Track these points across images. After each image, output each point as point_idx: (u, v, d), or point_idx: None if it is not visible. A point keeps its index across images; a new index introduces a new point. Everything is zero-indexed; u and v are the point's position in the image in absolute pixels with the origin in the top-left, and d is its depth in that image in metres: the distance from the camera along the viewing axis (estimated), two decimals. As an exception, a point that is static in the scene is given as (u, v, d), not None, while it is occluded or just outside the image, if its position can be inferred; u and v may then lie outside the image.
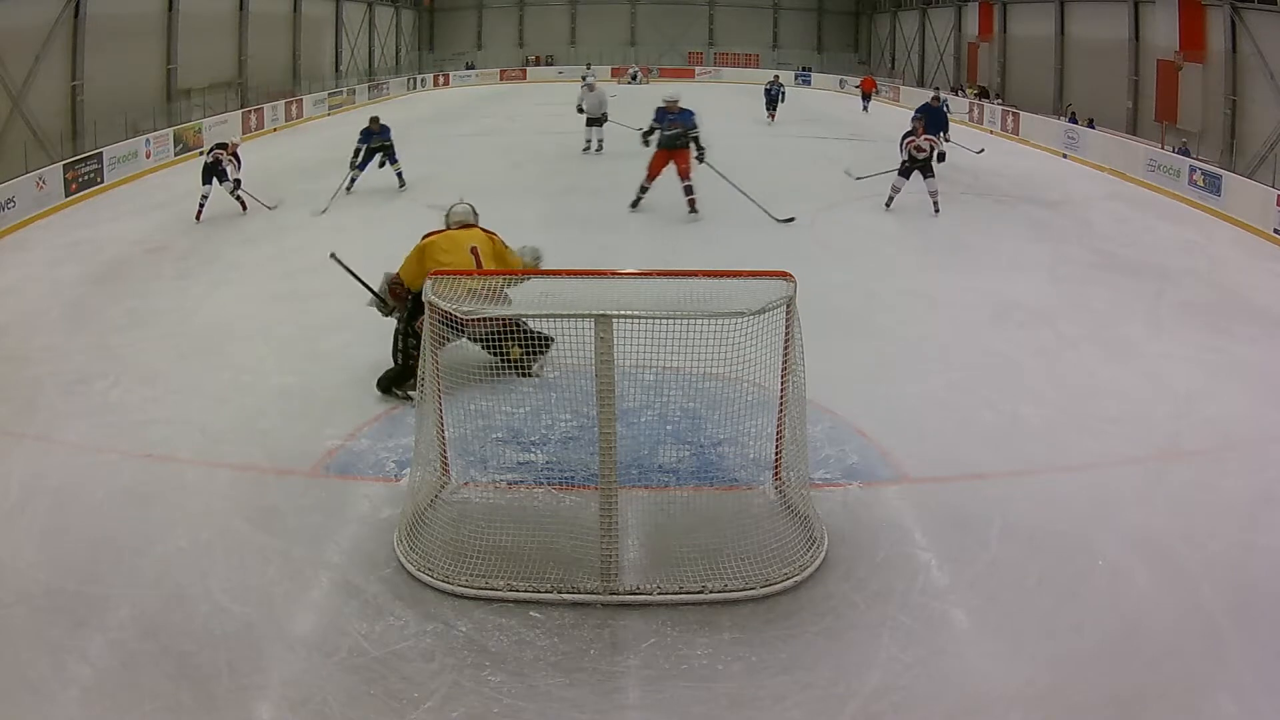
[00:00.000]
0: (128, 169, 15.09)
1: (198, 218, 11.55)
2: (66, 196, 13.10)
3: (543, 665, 3.69)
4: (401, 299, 6.22)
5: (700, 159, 11.41)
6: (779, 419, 4.63)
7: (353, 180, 13.14)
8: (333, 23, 30.82)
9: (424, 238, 6.19)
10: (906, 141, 11.83)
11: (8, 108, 15.45)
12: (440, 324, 4.56)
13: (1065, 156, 18.38)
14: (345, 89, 27.71)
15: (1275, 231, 11.59)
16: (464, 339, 5.37)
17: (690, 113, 11.43)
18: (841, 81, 33.83)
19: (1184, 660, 3.75)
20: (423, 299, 4.56)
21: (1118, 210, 13.28)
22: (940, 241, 10.83)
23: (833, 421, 5.72)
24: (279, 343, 7.25)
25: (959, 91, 27.71)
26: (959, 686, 3.61)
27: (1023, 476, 5.24)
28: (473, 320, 4.86)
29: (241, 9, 24.22)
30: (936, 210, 11.83)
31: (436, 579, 4.14)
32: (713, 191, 11.66)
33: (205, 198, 11.62)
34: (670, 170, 11.45)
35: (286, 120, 22.61)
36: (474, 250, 6.01)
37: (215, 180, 11.68)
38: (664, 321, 4.03)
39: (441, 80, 35.55)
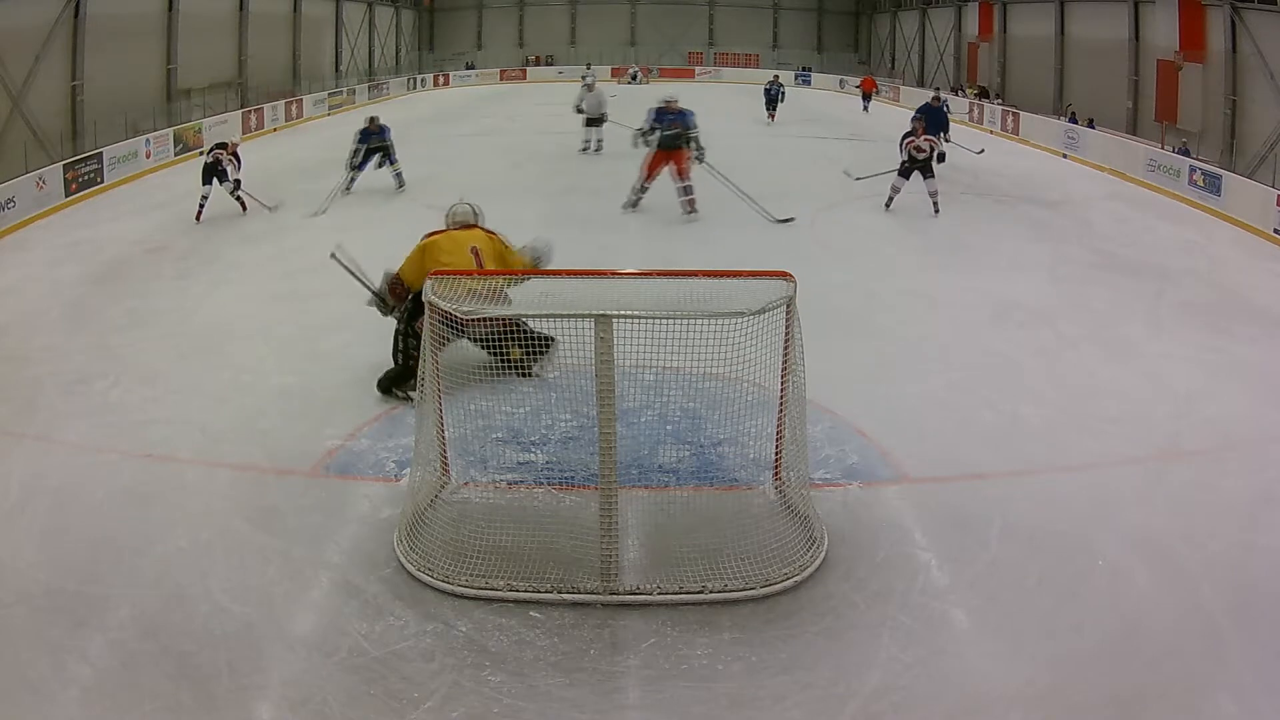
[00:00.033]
0: (128, 169, 15.09)
1: (198, 218, 11.55)
2: (66, 196, 13.10)
3: (543, 665, 3.69)
4: (401, 298, 6.21)
5: (699, 159, 11.41)
6: (779, 419, 4.63)
7: (351, 181, 13.07)
8: (333, 23, 30.82)
9: (425, 237, 6.19)
10: (906, 142, 11.82)
11: (8, 108, 15.45)
12: (440, 324, 4.56)
13: (1065, 156, 18.38)
14: (345, 89, 27.71)
15: (1275, 231, 11.59)
16: (464, 340, 5.36)
17: (688, 113, 11.43)
18: (841, 81, 33.83)
19: (1184, 660, 3.75)
20: (423, 299, 4.56)
21: (1118, 210, 13.28)
22: (940, 241, 10.82)
23: (833, 421, 5.72)
24: (279, 343, 7.25)
25: (959, 91, 27.71)
26: (959, 686, 3.61)
27: (1023, 476, 5.24)
28: (473, 321, 4.86)
29: (241, 9, 24.21)
30: (936, 211, 11.82)
31: (436, 579, 4.14)
32: (712, 192, 11.65)
33: (205, 198, 11.61)
34: (667, 171, 11.44)
35: (286, 120, 22.60)
36: (475, 251, 6.01)
37: (215, 180, 11.67)
38: (664, 321, 4.03)
39: (441, 80, 35.54)
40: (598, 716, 3.46)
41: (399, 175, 13.47)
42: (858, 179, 12.70)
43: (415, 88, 33.37)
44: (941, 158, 12.13)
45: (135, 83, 19.21)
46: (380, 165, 13.30)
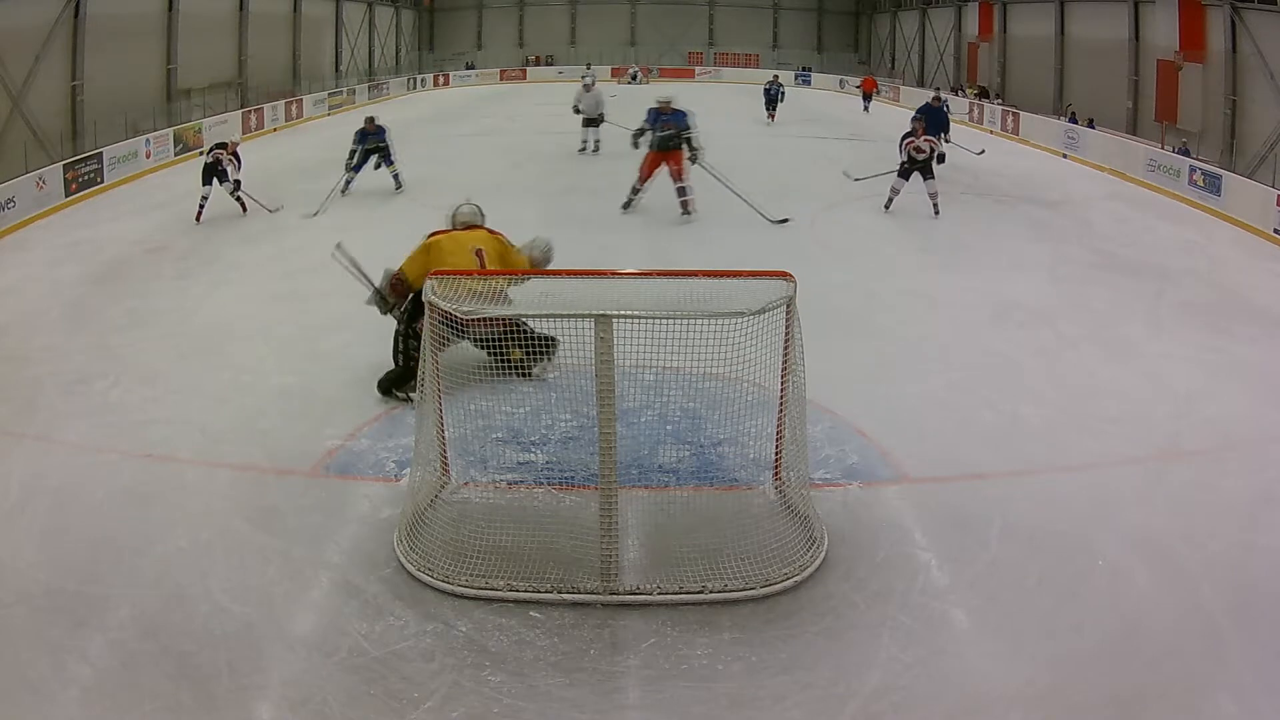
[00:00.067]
0: (128, 169, 15.09)
1: (198, 219, 11.54)
2: (66, 196, 13.10)
3: (543, 665, 3.69)
4: (402, 295, 6.20)
5: (694, 160, 11.40)
6: (779, 419, 4.63)
7: (348, 183, 13.01)
8: (333, 23, 30.82)
9: (429, 236, 6.19)
10: (906, 142, 11.79)
11: (8, 108, 15.45)
12: (441, 325, 4.56)
13: (1065, 156, 18.38)
14: (345, 89, 27.71)
15: (1275, 231, 11.59)
16: (465, 341, 5.35)
17: (684, 114, 11.41)
18: (841, 81, 33.83)
19: (1184, 660, 3.75)
20: (423, 299, 4.56)
21: (1118, 210, 13.28)
22: (940, 241, 10.82)
23: (833, 421, 5.72)
24: (279, 343, 7.25)
25: (959, 92, 27.71)
26: (959, 686, 3.61)
27: (1023, 476, 5.24)
28: (474, 322, 4.85)
29: (241, 9, 24.22)
30: (936, 212, 11.80)
31: (436, 579, 4.14)
32: (712, 192, 11.65)
33: (205, 198, 11.60)
34: (663, 172, 11.43)
35: (286, 120, 22.60)
36: (479, 253, 6.00)
37: (215, 180, 11.66)
38: (664, 321, 4.03)
39: (441, 80, 35.54)
40: (598, 716, 3.46)
41: (397, 176, 13.42)
42: (856, 180, 12.69)
43: (415, 88, 33.37)
44: (941, 159, 12.10)
45: (135, 83, 19.21)
46: (378, 166, 13.25)
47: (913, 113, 13.69)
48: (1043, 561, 4.39)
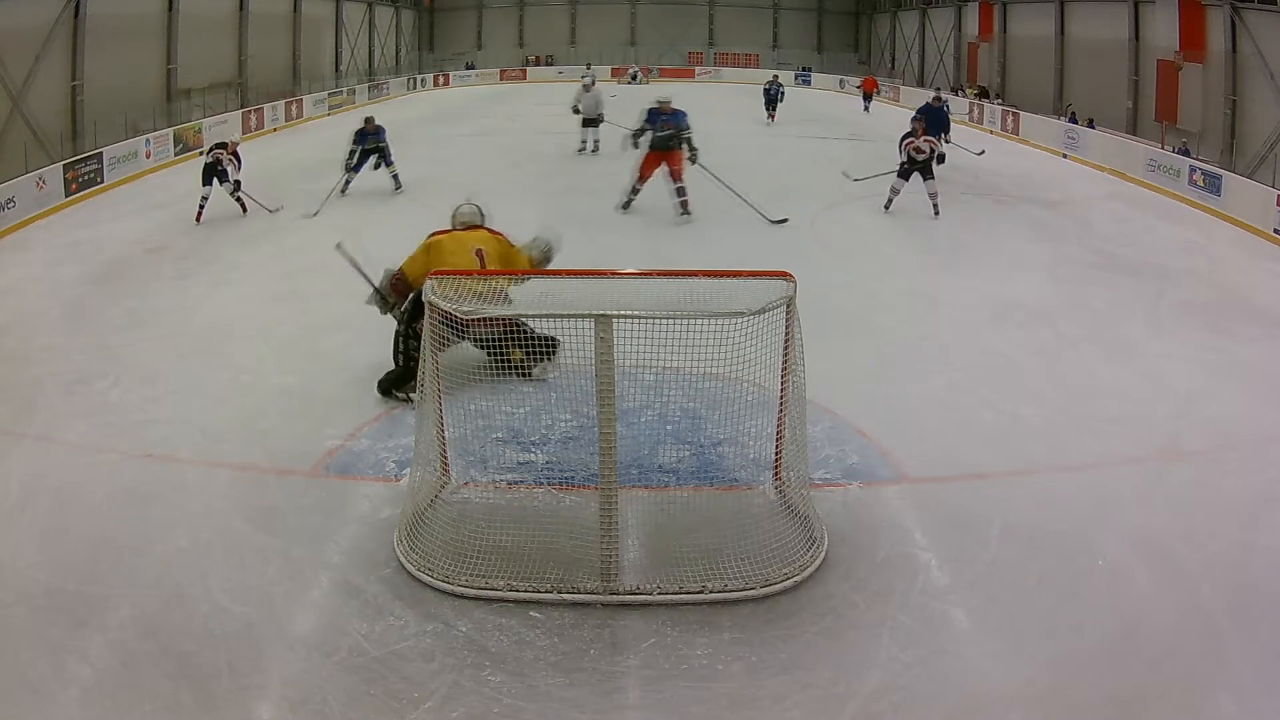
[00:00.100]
0: (128, 169, 15.09)
1: (198, 219, 11.53)
2: (66, 196, 13.10)
3: (543, 665, 3.69)
4: (403, 294, 6.20)
5: (693, 160, 11.39)
6: (779, 419, 4.63)
7: (346, 183, 13.00)
8: (333, 23, 30.83)
9: (430, 236, 6.18)
10: (905, 143, 11.79)
11: (8, 108, 15.46)
12: (441, 325, 4.56)
13: (1065, 156, 18.38)
14: (345, 89, 27.72)
15: (1275, 231, 11.59)
16: (465, 342, 5.35)
17: (682, 114, 11.40)
18: (841, 81, 33.84)
19: (1184, 660, 3.75)
20: (423, 299, 4.55)
21: (1118, 210, 13.28)
22: (940, 241, 10.82)
23: (833, 421, 5.72)
24: (279, 343, 7.25)
25: (959, 92, 27.71)
26: (959, 686, 3.61)
27: (1023, 476, 5.24)
28: (474, 322, 4.85)
29: (241, 9, 24.23)
30: (936, 213, 11.79)
31: (436, 579, 4.14)
32: (711, 192, 11.65)
33: (205, 198, 11.60)
34: (661, 172, 11.43)
35: (286, 120, 22.60)
36: (479, 253, 5.99)
37: (215, 180, 11.66)
38: (664, 321, 4.03)
39: (441, 80, 35.55)
40: (598, 716, 3.46)
41: (396, 176, 13.41)
42: (856, 180, 12.69)
43: (415, 88, 33.38)
44: (941, 159, 12.09)
45: (135, 83, 19.22)
46: (377, 166, 13.24)
47: (913, 113, 13.69)
48: (1043, 561, 4.39)
